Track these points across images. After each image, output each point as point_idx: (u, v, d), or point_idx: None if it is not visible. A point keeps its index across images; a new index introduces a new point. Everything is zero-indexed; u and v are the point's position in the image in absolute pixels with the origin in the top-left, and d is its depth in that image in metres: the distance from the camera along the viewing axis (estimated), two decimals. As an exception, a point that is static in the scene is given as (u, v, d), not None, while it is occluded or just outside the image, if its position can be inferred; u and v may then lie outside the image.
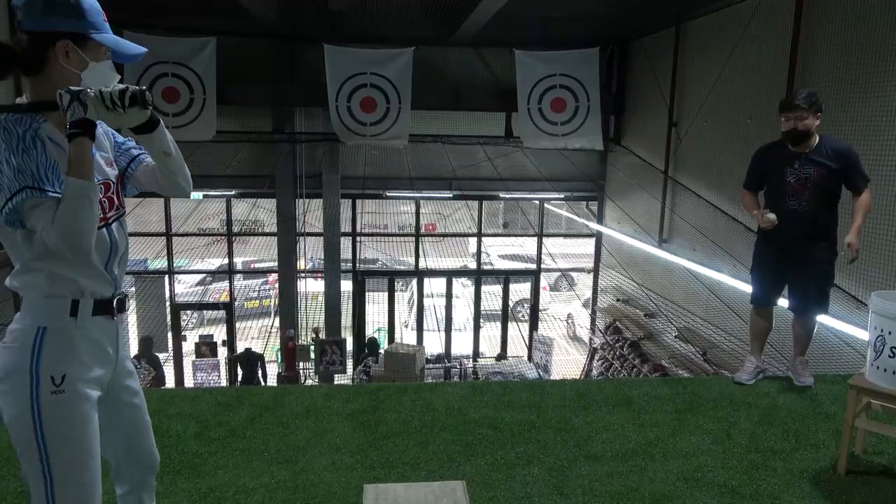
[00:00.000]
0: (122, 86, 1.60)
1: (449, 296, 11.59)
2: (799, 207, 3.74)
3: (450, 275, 11.86)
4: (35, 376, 1.62)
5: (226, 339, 11.22)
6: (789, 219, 3.77)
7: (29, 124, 1.63)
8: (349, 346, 10.70)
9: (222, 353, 10.95)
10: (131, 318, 11.35)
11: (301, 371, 10.30)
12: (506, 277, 12.21)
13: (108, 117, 1.61)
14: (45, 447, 1.63)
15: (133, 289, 11.25)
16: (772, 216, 3.75)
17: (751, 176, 4.05)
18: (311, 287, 11.84)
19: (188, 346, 11.44)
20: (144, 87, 1.62)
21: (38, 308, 1.66)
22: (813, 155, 3.72)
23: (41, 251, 1.63)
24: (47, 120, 1.67)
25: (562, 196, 11.72)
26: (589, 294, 12.36)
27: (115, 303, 1.78)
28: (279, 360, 11.01)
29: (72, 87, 1.58)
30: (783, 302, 4.10)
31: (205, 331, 12.86)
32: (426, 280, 11.63)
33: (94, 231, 1.62)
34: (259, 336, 12.21)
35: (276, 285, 11.42)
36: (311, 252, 11.38)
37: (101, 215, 1.72)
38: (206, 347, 10.74)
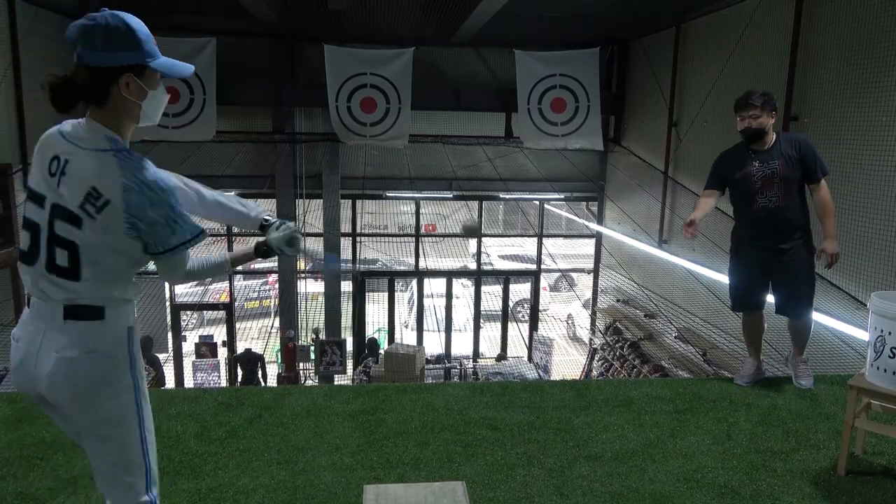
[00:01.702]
0: (293, 234, 2.15)
1: (449, 296, 11.59)
2: (770, 203, 3.77)
3: (450, 275, 11.86)
4: (133, 358, 1.84)
5: (226, 339, 11.22)
6: (762, 216, 3.80)
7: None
8: (349, 346, 10.70)
9: (222, 353, 10.95)
10: (131, 318, 11.34)
11: (301, 371, 10.30)
12: (506, 278, 12.21)
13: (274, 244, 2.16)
14: (142, 413, 1.87)
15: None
16: (692, 229, 3.83)
17: (711, 177, 4.06)
18: (311, 287, 11.85)
19: (188, 347, 11.44)
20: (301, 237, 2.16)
21: (123, 313, 1.82)
22: (773, 150, 3.78)
23: (141, 264, 1.85)
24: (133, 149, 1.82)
25: (562, 196, 11.72)
26: (589, 294, 12.36)
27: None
28: (279, 361, 11.01)
29: (292, 233, 2.14)
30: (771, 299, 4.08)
31: (205, 331, 12.87)
32: (426, 280, 11.62)
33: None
34: (259, 336, 12.21)
35: (276, 286, 11.42)
36: (312, 251, 11.38)
37: None
38: (205, 348, 10.74)
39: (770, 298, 4.05)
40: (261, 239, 2.17)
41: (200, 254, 2.00)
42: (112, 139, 1.75)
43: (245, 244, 2.12)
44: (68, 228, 1.72)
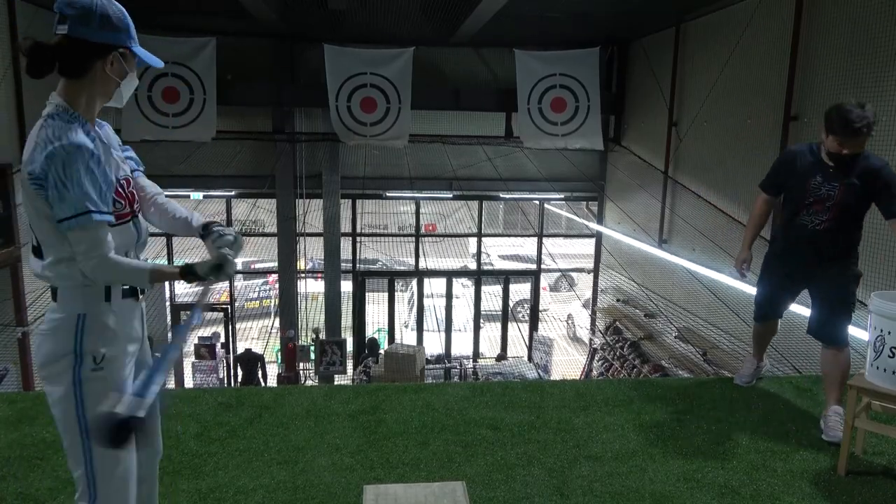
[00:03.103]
0: (231, 270, 1.94)
1: (449, 296, 11.59)
2: (811, 224, 3.39)
3: (450, 275, 11.86)
4: (79, 356, 1.77)
5: (223, 341, 11.20)
6: (800, 234, 3.45)
7: (95, 141, 1.77)
8: (349, 346, 10.70)
9: (222, 354, 10.94)
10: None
11: (301, 371, 10.30)
12: (506, 278, 12.22)
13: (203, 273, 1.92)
14: (86, 421, 1.77)
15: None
16: (743, 270, 3.68)
17: (771, 176, 3.64)
18: (311, 287, 11.85)
19: (188, 347, 11.43)
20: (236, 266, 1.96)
21: (76, 297, 1.79)
22: (842, 170, 3.29)
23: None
24: (84, 118, 1.78)
25: (562, 196, 11.72)
26: (589, 294, 12.37)
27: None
28: (279, 361, 11.01)
29: (226, 257, 1.93)
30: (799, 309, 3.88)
31: (204, 331, 12.86)
32: (426, 280, 11.63)
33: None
34: (259, 336, 12.20)
35: (276, 286, 11.42)
36: (311, 252, 11.38)
37: (130, 210, 1.90)
38: (204, 350, 10.73)
39: (794, 310, 3.85)
40: (190, 262, 1.97)
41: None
42: (57, 105, 1.75)
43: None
44: (26, 200, 1.75)
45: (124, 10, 1.81)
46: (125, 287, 1.87)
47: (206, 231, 1.99)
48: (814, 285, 3.54)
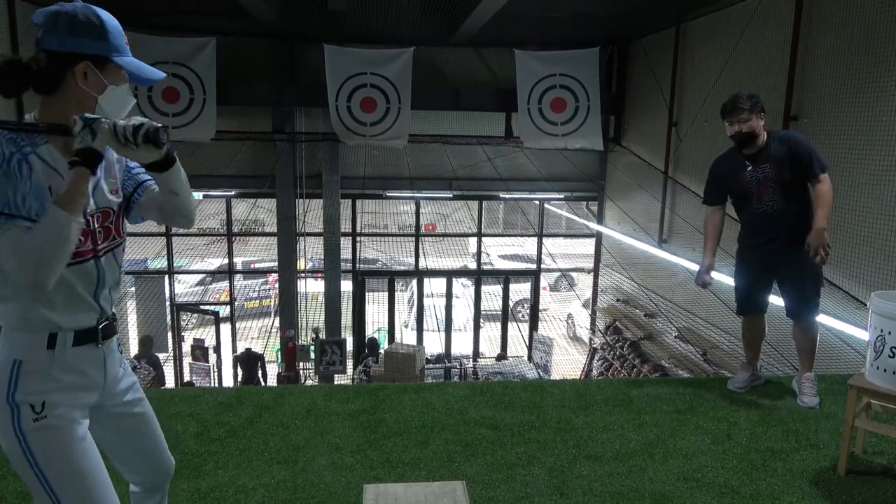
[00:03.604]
0: (138, 121, 1.53)
1: (449, 296, 11.59)
2: (768, 208, 3.69)
3: (450, 275, 11.86)
4: (14, 407, 1.58)
5: (215, 343, 11.15)
6: (763, 221, 3.73)
7: (21, 145, 1.52)
8: (349, 346, 10.70)
9: (213, 358, 10.90)
10: (131, 318, 11.35)
11: (301, 371, 10.30)
12: (506, 277, 12.22)
13: (120, 151, 1.56)
14: (44, 476, 1.61)
15: (133, 288, 11.25)
16: (706, 279, 3.89)
17: (709, 188, 4.00)
18: (311, 287, 11.85)
19: (188, 347, 11.44)
20: (162, 126, 1.56)
21: (14, 341, 1.61)
22: (763, 153, 3.69)
23: (12, 282, 1.52)
24: (48, 142, 1.58)
25: (562, 196, 11.72)
26: (589, 294, 12.37)
27: (99, 330, 1.71)
28: (279, 361, 11.01)
29: (88, 115, 1.51)
30: (777, 301, 4.02)
31: (205, 331, 12.85)
32: (426, 280, 11.63)
33: (60, 268, 1.51)
34: (259, 336, 12.20)
35: (276, 285, 11.42)
36: (311, 252, 11.38)
37: (92, 247, 1.67)
38: (199, 351, 10.73)
39: (774, 301, 4.00)
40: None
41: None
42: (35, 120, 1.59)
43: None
44: None
45: (105, 16, 1.62)
46: (78, 332, 1.65)
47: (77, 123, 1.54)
48: (784, 271, 3.78)
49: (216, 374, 10.66)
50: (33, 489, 1.62)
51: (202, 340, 11.08)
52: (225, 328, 11.51)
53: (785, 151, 3.64)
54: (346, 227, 11.22)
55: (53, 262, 1.49)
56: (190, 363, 10.72)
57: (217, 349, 11.01)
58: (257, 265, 14.32)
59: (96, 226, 1.69)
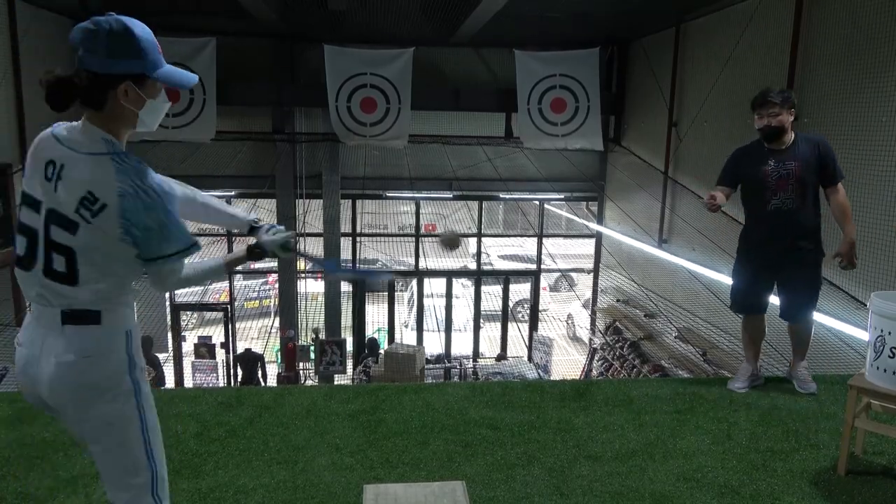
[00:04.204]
0: (288, 236, 2.18)
1: (449, 296, 11.59)
2: (783, 205, 3.67)
3: (450, 275, 11.86)
4: (133, 362, 1.83)
5: (223, 341, 11.20)
6: (774, 218, 3.71)
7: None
8: (349, 346, 10.70)
9: (221, 355, 10.94)
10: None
11: (301, 371, 10.30)
12: (506, 278, 12.22)
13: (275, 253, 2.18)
14: (146, 418, 1.86)
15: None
16: (717, 198, 3.70)
17: (725, 173, 3.94)
18: (311, 287, 11.85)
19: (188, 347, 11.44)
20: (295, 241, 2.21)
21: (123, 315, 1.82)
22: (790, 150, 3.68)
23: (139, 268, 1.81)
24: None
25: (562, 196, 11.72)
26: (589, 294, 12.37)
27: None
28: (279, 361, 11.01)
29: (285, 242, 2.16)
30: (774, 300, 4.03)
31: (205, 331, 12.86)
32: (426, 280, 11.62)
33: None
34: (259, 336, 12.21)
35: (276, 285, 11.42)
36: (311, 252, 11.37)
37: None
38: (204, 349, 10.74)
39: (773, 301, 4.01)
40: (252, 241, 2.18)
41: (196, 256, 1.98)
42: (109, 142, 1.73)
43: (242, 244, 2.07)
44: (64, 234, 1.71)
45: (139, 31, 1.72)
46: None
47: (255, 226, 2.23)
48: (787, 270, 3.78)
49: (224, 370, 10.65)
50: (131, 434, 1.82)
51: (208, 338, 11.09)
52: (222, 328, 11.51)
53: (814, 154, 3.64)
54: (346, 227, 11.22)
55: (196, 285, 2.03)
56: (193, 362, 10.71)
57: (225, 345, 11.04)
58: (257, 265, 14.31)
59: None
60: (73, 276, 1.73)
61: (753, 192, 3.81)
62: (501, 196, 11.65)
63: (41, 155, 1.75)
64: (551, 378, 10.16)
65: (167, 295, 11.12)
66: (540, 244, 12.10)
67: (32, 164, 1.76)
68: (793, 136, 3.72)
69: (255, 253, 2.14)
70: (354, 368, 10.18)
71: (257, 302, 14.87)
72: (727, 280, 6.77)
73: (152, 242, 1.74)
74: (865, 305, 3.91)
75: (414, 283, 12.42)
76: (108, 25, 1.67)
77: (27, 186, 1.78)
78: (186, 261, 1.88)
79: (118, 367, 1.79)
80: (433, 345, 11.14)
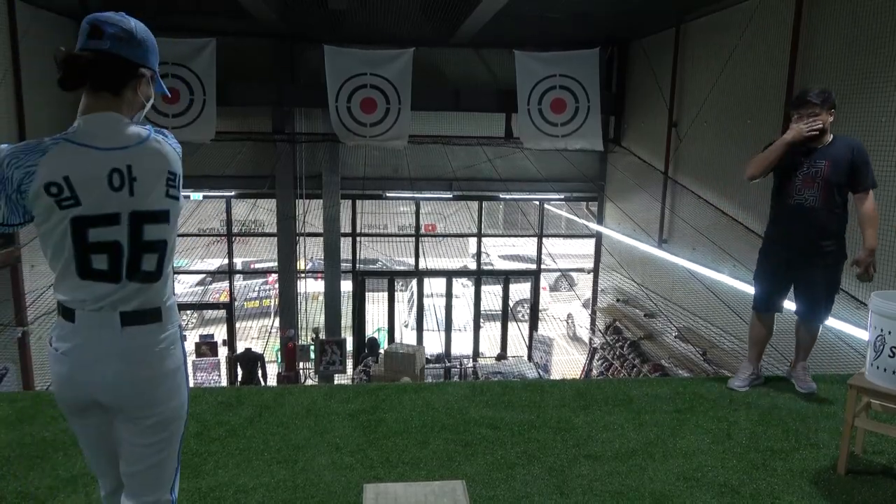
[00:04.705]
0: None
1: (449, 296, 11.59)
2: (805, 202, 3.66)
3: (450, 275, 11.86)
4: (186, 369, 1.96)
5: (226, 338, 11.22)
6: (795, 214, 3.71)
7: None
8: (349, 346, 10.70)
9: (222, 353, 10.96)
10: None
11: (301, 371, 10.30)
12: (506, 277, 12.22)
13: None
14: (186, 415, 1.98)
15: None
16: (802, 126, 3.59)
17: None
18: (311, 287, 11.85)
19: (188, 346, 11.43)
20: None
21: (175, 312, 1.90)
22: (825, 150, 3.65)
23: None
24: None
25: (562, 196, 11.72)
26: (589, 294, 12.37)
27: None
28: (279, 360, 11.01)
29: None
30: (788, 305, 4.02)
31: (205, 331, 12.87)
32: (426, 280, 11.63)
33: None
34: (259, 336, 12.21)
35: (276, 285, 11.43)
36: (311, 252, 11.38)
37: None
38: (206, 347, 10.75)
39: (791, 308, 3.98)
40: None
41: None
42: (142, 124, 1.83)
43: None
44: (158, 228, 1.79)
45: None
46: None
47: None
48: (807, 268, 3.77)
49: (226, 368, 10.64)
50: (175, 435, 1.91)
51: (210, 336, 11.09)
52: (226, 328, 11.52)
53: (847, 157, 3.61)
54: (346, 227, 11.22)
55: None
56: (193, 360, 10.71)
57: (227, 342, 11.04)
58: (257, 265, 14.32)
59: None
60: (160, 272, 1.83)
61: (780, 183, 3.81)
62: (501, 196, 11.65)
63: (94, 171, 1.69)
64: (551, 378, 10.17)
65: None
66: (540, 244, 12.10)
67: (85, 184, 1.68)
68: (831, 136, 3.71)
69: None
70: (354, 368, 10.18)
71: (257, 302, 14.87)
72: (727, 280, 6.81)
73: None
74: (865, 305, 3.91)
75: (414, 282, 12.42)
76: (141, 26, 1.83)
77: (89, 209, 1.69)
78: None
79: (177, 360, 1.89)
80: (433, 344, 11.15)
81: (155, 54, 1.87)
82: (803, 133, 3.64)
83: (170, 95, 2.03)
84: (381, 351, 9.53)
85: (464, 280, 13.40)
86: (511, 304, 12.65)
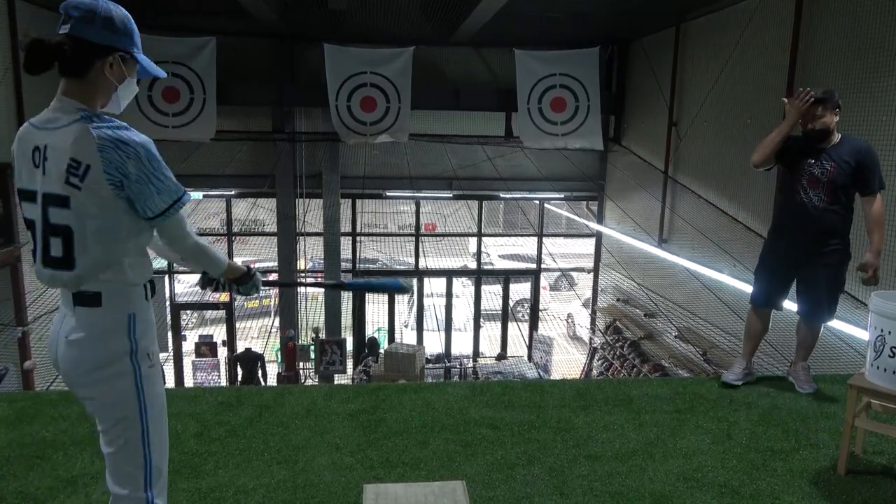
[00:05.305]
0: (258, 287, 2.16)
1: (449, 295, 11.59)
2: (810, 202, 3.66)
3: (450, 275, 11.86)
4: (136, 354, 1.85)
5: (226, 339, 11.22)
6: (799, 213, 3.70)
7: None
8: (349, 346, 10.70)
9: (222, 353, 10.96)
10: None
11: (301, 371, 10.30)
12: (506, 277, 12.22)
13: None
14: (145, 409, 1.88)
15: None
16: (808, 90, 3.58)
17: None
18: (311, 287, 11.84)
19: (188, 346, 11.44)
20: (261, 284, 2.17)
21: (126, 297, 1.85)
22: (832, 151, 3.65)
23: (140, 245, 1.86)
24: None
25: (562, 196, 11.73)
26: (589, 294, 12.37)
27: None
28: (279, 360, 11.02)
29: (244, 287, 2.15)
30: (790, 305, 4.00)
31: (205, 331, 12.87)
32: (426, 280, 11.63)
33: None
34: (259, 336, 12.21)
35: (277, 285, 11.43)
36: (311, 252, 11.38)
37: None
38: (205, 347, 10.75)
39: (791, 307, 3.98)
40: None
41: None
42: (82, 109, 1.78)
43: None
44: (60, 213, 1.76)
45: (130, 16, 1.85)
46: (149, 283, 1.93)
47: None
48: (810, 266, 3.76)
49: (226, 368, 10.66)
50: (130, 420, 1.85)
51: (209, 336, 11.08)
52: (225, 328, 11.53)
53: (853, 158, 3.61)
54: (346, 226, 11.22)
55: (200, 261, 2.03)
56: (193, 360, 10.72)
57: (226, 343, 11.04)
58: (257, 265, 14.31)
59: None
60: (70, 261, 1.78)
61: (787, 181, 3.82)
62: (501, 195, 11.65)
63: (25, 147, 1.81)
64: (551, 377, 10.17)
65: (167, 294, 11.13)
66: (540, 244, 12.10)
67: (20, 158, 1.83)
68: (838, 137, 3.70)
69: (245, 278, 2.14)
70: (354, 368, 10.18)
71: (257, 301, 14.87)
72: (727, 280, 6.81)
73: (145, 195, 1.77)
74: (865, 305, 3.91)
75: (414, 282, 12.42)
76: (105, 4, 1.80)
77: (20, 183, 1.84)
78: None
79: (116, 349, 1.82)
80: (433, 344, 11.15)
81: (129, 36, 1.84)
82: (799, 107, 3.64)
83: (165, 76, 2.09)
84: (381, 351, 9.53)
85: (464, 280, 13.39)
86: (511, 303, 12.66)
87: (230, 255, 11.30)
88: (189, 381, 10.77)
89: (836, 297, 3.80)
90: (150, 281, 1.93)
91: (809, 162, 3.68)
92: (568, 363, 12.99)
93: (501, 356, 11.07)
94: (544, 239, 12.14)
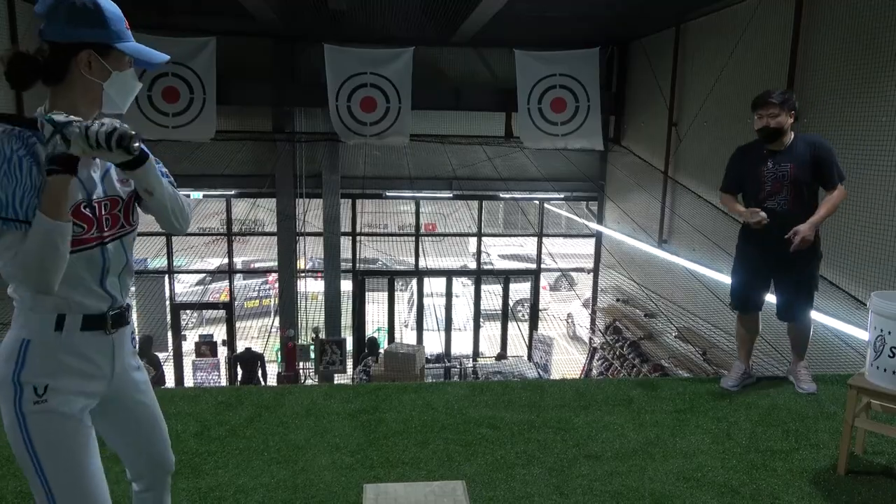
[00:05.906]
0: (110, 125, 1.50)
1: (449, 295, 11.59)
2: (778, 206, 3.69)
3: (450, 274, 11.86)
4: (18, 386, 1.59)
5: (226, 338, 11.23)
6: (771, 219, 3.70)
7: (25, 141, 1.53)
8: (349, 345, 10.70)
9: (222, 352, 10.96)
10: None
11: (301, 371, 10.30)
12: (506, 277, 12.22)
13: (92, 154, 1.52)
14: (38, 459, 1.61)
15: (133, 288, 11.26)
16: (763, 214, 3.66)
17: (728, 176, 3.97)
18: (311, 286, 11.85)
19: (188, 346, 11.44)
20: (133, 133, 1.54)
21: (23, 320, 1.62)
22: (788, 152, 3.70)
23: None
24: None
25: (562, 196, 11.72)
26: (589, 294, 12.37)
27: (109, 317, 1.70)
28: (279, 360, 11.02)
29: (56, 118, 1.48)
30: (771, 298, 4.03)
31: (205, 330, 12.86)
32: (426, 280, 11.63)
33: (60, 269, 1.54)
34: (259, 336, 12.21)
35: (276, 285, 11.43)
36: (310, 251, 11.38)
37: (98, 234, 1.66)
38: (205, 347, 10.75)
39: (769, 300, 4.02)
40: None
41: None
42: (39, 116, 1.56)
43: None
44: None
45: (103, 2, 1.61)
46: (86, 316, 1.65)
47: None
48: (783, 270, 3.80)
49: (226, 368, 10.66)
50: (27, 472, 1.62)
51: (209, 336, 11.07)
52: (225, 328, 11.53)
53: (809, 154, 3.66)
54: (346, 226, 11.22)
55: (49, 266, 1.52)
56: (193, 360, 10.72)
57: (227, 342, 11.04)
58: (257, 265, 14.32)
59: (103, 213, 1.68)
60: None
61: (751, 192, 3.85)
62: (501, 196, 11.65)
63: None
64: (551, 377, 10.17)
65: (167, 294, 11.13)
66: (540, 244, 12.10)
67: None
68: (792, 136, 3.74)
69: (57, 167, 1.49)
70: (354, 368, 10.18)
71: (257, 301, 14.87)
72: (727, 280, 6.79)
73: None
74: (865, 305, 3.91)
75: (414, 282, 12.42)
76: None
77: None
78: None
79: (4, 383, 1.59)
80: (433, 344, 11.14)
81: (103, 25, 1.59)
82: (747, 218, 3.73)
83: (167, 59, 1.74)
84: (381, 351, 9.53)
85: (464, 279, 13.39)
86: (511, 303, 12.66)
87: (230, 254, 11.30)
88: (189, 381, 10.77)
89: (812, 294, 3.86)
90: (61, 315, 1.62)
91: (768, 167, 3.73)
92: (568, 363, 12.98)
93: (501, 356, 11.07)
94: (544, 239, 12.14)
